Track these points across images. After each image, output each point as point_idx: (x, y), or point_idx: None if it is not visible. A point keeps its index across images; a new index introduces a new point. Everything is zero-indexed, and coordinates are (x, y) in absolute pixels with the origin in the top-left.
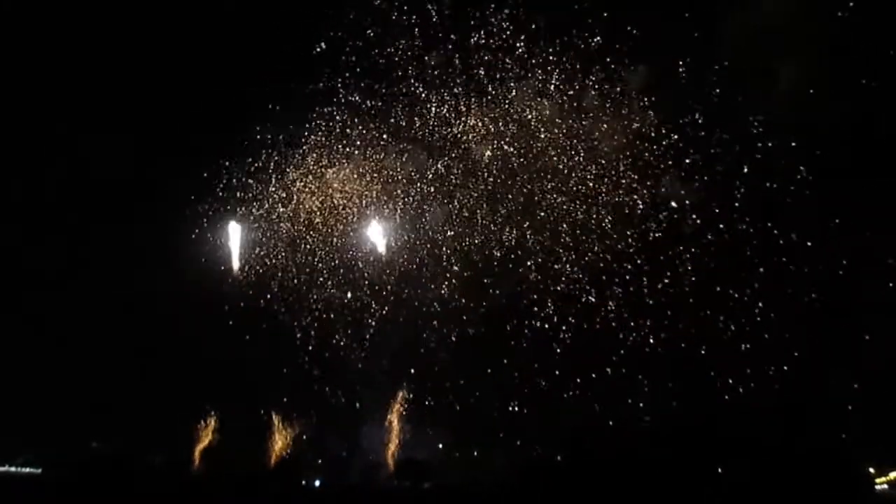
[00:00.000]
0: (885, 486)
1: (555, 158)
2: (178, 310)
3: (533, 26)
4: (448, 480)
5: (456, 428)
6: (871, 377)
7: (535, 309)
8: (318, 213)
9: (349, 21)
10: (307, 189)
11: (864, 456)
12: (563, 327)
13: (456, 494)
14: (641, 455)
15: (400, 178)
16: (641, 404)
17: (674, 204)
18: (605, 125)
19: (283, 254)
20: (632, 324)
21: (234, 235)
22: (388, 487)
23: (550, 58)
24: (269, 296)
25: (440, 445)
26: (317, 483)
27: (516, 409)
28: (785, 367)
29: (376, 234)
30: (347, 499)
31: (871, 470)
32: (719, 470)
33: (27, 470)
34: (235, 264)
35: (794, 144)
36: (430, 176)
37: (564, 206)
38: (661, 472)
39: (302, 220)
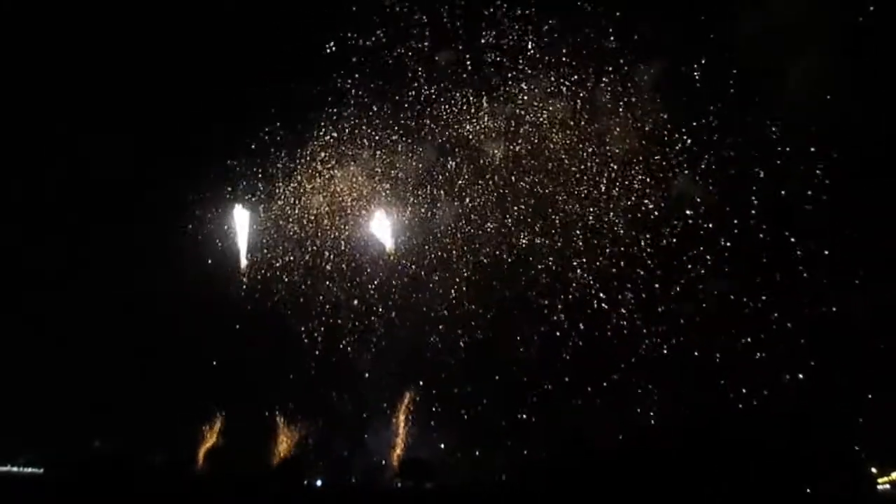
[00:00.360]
0: (888, 486)
1: (566, 161)
2: (184, 310)
3: (545, 27)
4: (450, 480)
5: (460, 430)
6: (873, 378)
7: (546, 313)
8: (327, 215)
9: (359, 22)
10: (315, 190)
11: (866, 456)
12: (573, 333)
13: (458, 494)
14: (644, 456)
15: (409, 179)
16: (651, 413)
17: (688, 212)
18: (617, 128)
19: (291, 256)
20: (643, 330)
21: (242, 225)
22: (390, 487)
23: (563, 59)
24: (276, 298)
25: (442, 445)
26: (318, 483)
27: (524, 416)
28: (800, 376)
29: (384, 234)
30: (349, 498)
31: (874, 470)
32: (723, 471)
33: (29, 470)
34: (243, 260)
35: (812, 150)
36: (441, 178)
37: (577, 209)
38: (663, 474)
39: (310, 221)
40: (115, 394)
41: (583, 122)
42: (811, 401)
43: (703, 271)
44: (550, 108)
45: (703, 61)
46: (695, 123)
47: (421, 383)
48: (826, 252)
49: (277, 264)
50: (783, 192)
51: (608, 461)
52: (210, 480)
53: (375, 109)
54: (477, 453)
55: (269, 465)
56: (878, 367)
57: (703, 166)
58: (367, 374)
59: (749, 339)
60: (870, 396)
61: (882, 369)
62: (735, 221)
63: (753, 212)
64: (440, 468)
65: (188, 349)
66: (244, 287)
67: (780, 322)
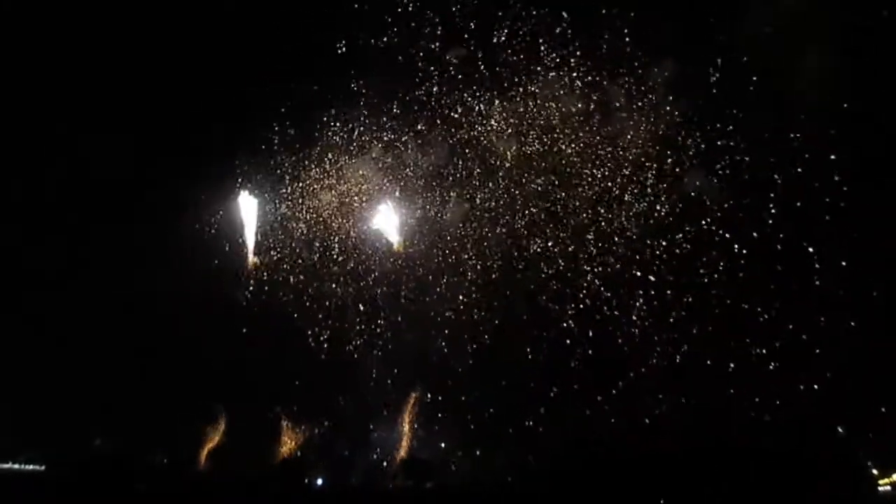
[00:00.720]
0: (889, 487)
1: (578, 163)
2: (187, 310)
3: (558, 29)
4: (451, 480)
5: (464, 434)
6: (875, 379)
7: (555, 318)
8: (334, 216)
9: (370, 21)
10: (323, 189)
11: (867, 457)
12: (583, 340)
13: (458, 495)
14: (648, 459)
15: (419, 179)
16: (660, 420)
17: (702, 218)
18: (631, 130)
19: (299, 259)
20: (655, 338)
21: (249, 214)
22: (390, 487)
23: (576, 59)
24: (281, 298)
25: (442, 445)
26: (319, 482)
27: (531, 423)
28: (815, 387)
29: (392, 231)
30: (349, 498)
31: (875, 471)
32: (723, 471)
33: (30, 467)
34: (250, 256)
35: (833, 157)
36: (451, 178)
37: (588, 213)
38: (665, 476)
39: (317, 221)
40: (116, 393)
41: (595, 125)
42: (817, 405)
43: (715, 276)
44: (563, 110)
45: (718, 62)
46: (709, 127)
47: (426, 387)
48: (843, 262)
49: (283, 266)
50: (800, 199)
51: (612, 463)
52: (211, 480)
53: (386, 109)
54: (478, 453)
55: (271, 465)
56: (880, 368)
57: (717, 171)
58: (372, 376)
59: (763, 350)
60: (871, 397)
61: (884, 370)
62: (750, 228)
63: (770, 220)
64: (441, 468)
65: (190, 349)
66: (250, 286)
67: (795, 332)
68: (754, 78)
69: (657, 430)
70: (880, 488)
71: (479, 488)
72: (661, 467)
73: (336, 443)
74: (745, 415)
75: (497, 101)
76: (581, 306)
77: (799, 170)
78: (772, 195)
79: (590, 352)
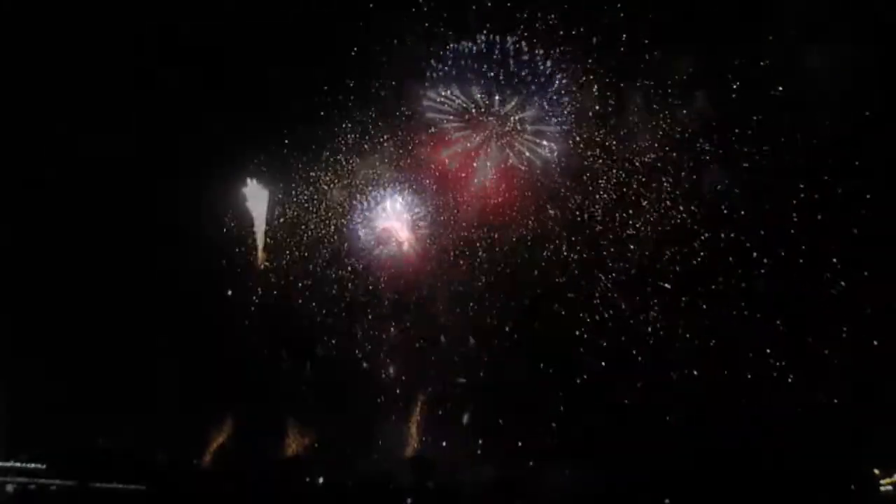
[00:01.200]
0: (890, 487)
1: (594, 166)
2: (193, 310)
3: (574, 32)
4: (453, 480)
5: (467, 433)
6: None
7: (567, 326)
8: (345, 217)
9: (386, 20)
10: (334, 190)
11: (868, 456)
12: (595, 348)
13: (460, 494)
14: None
15: (433, 183)
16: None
17: (723, 235)
18: (648, 135)
19: (307, 259)
20: (669, 348)
21: (259, 202)
22: (391, 486)
23: (594, 60)
24: (288, 299)
25: (444, 444)
26: (320, 481)
27: (535, 426)
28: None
29: (403, 234)
30: (350, 497)
31: (876, 471)
32: (723, 472)
33: (31, 466)
34: (260, 252)
35: (857, 163)
36: (462, 181)
37: (604, 219)
38: (665, 474)
39: (328, 221)
40: (117, 392)
41: (612, 128)
42: (818, 406)
43: (732, 282)
44: (581, 112)
45: (736, 62)
46: (727, 131)
47: (430, 388)
48: (866, 272)
49: (291, 265)
50: (822, 209)
51: (616, 464)
52: (212, 479)
53: (400, 110)
54: (479, 453)
55: (271, 465)
56: (881, 369)
57: (735, 176)
58: (377, 376)
59: (782, 362)
60: (872, 397)
61: (884, 371)
62: (768, 235)
63: (792, 230)
64: (443, 468)
65: (192, 348)
66: (256, 286)
67: (815, 345)
68: (775, 82)
69: (662, 432)
70: (882, 488)
71: (481, 488)
72: (664, 467)
73: (338, 442)
74: (747, 417)
75: (513, 103)
76: (596, 316)
77: (825, 177)
78: (794, 202)
79: (602, 362)
